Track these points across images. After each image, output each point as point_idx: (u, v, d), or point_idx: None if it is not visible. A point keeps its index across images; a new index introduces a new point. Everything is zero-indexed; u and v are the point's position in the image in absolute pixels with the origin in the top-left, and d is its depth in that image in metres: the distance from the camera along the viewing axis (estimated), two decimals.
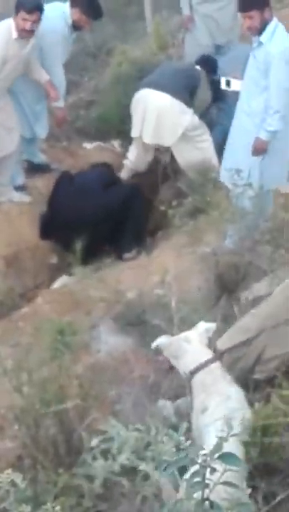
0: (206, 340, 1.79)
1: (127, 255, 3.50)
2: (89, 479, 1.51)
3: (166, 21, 5.10)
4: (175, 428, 1.22)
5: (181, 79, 3.68)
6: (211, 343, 1.82)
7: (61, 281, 3.30)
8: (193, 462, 1.03)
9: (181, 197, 3.26)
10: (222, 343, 1.88)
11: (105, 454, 1.51)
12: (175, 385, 1.98)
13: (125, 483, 1.46)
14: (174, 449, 1.12)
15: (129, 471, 1.45)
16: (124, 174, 3.97)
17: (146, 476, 1.39)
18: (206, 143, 3.74)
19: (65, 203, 3.62)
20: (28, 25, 3.04)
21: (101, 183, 3.71)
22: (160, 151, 3.95)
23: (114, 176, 3.95)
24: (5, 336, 2.51)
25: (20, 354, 2.07)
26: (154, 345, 1.86)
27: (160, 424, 1.48)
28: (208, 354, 1.74)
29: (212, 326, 1.84)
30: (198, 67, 3.83)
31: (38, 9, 3.07)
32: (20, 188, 3.68)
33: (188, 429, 1.45)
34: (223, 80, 3.66)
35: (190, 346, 1.75)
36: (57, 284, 3.32)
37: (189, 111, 3.63)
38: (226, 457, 1.03)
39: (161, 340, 1.83)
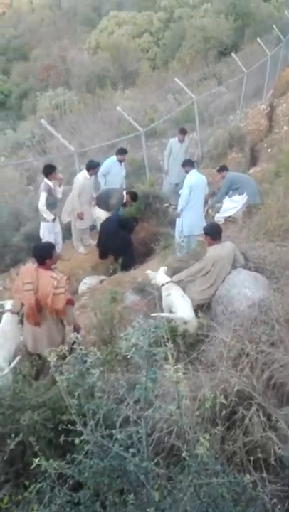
0: (164, 273, 5.46)
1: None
2: None
3: None
4: None
5: None
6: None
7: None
8: None
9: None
10: (174, 277, 5.51)
11: None
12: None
13: None
14: None
15: None
16: None
17: None
18: None
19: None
20: None
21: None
22: None
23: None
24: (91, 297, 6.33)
25: (95, 303, 5.82)
26: (148, 272, 5.62)
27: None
28: (168, 278, 5.41)
29: (165, 269, 5.54)
30: None
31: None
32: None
33: None
34: None
35: (158, 275, 5.45)
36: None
37: None
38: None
39: (149, 272, 5.56)
